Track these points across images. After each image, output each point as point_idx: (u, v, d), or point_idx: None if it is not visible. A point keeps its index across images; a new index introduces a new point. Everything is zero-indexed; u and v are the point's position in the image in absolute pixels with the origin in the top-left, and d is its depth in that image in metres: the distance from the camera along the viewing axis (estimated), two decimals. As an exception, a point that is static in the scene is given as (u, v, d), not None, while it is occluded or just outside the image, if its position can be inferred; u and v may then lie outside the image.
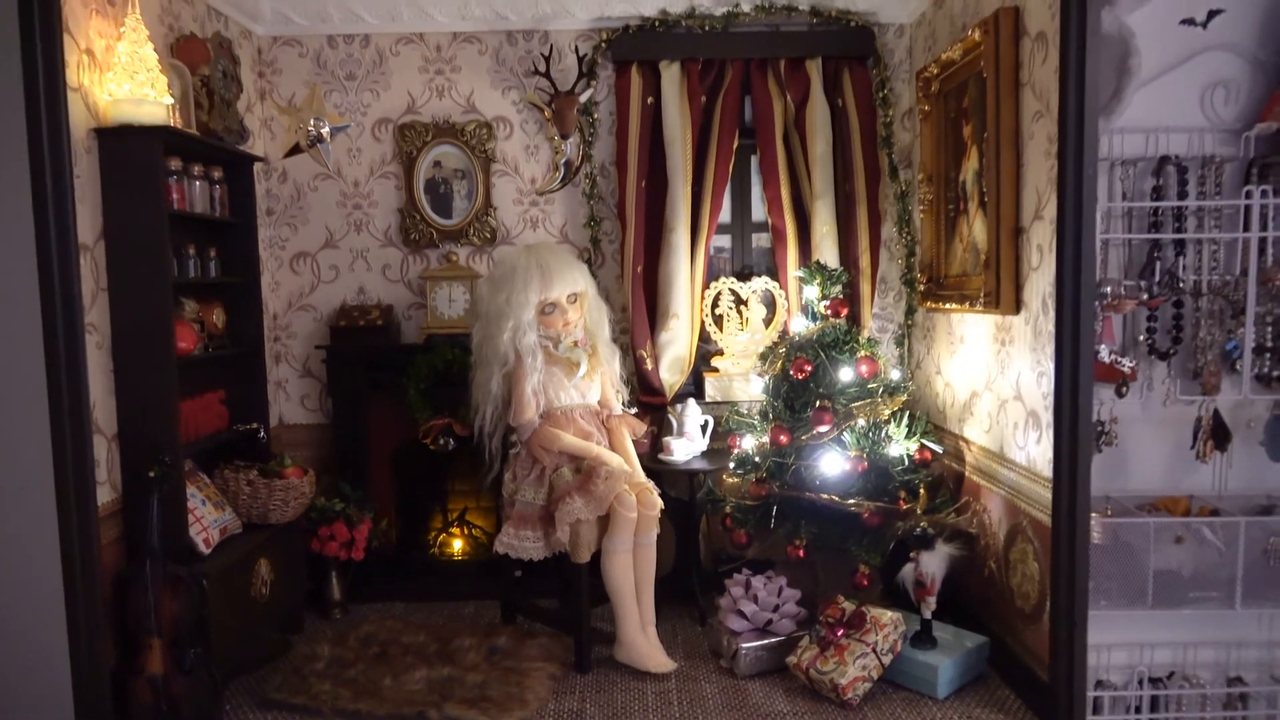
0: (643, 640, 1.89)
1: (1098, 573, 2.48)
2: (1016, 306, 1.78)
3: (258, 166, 2.21)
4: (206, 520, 1.80)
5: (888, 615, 1.79)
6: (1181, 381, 2.53)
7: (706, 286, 2.38)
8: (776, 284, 2.39)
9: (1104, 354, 2.49)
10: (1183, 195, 2.37)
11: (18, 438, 2.19)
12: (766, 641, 1.87)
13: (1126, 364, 2.48)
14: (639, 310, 2.32)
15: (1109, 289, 2.43)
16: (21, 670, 2.44)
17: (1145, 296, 2.44)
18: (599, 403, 2.05)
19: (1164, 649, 2.63)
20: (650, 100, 2.32)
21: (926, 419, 2.15)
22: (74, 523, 1.54)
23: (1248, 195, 2.30)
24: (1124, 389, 2.51)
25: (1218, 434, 2.43)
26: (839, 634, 1.77)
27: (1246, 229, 2.34)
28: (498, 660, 1.88)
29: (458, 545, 2.36)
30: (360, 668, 1.87)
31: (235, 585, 1.82)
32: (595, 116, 2.39)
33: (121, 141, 1.65)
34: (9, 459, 2.21)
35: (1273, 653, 2.58)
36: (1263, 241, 2.33)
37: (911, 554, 1.83)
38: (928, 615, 1.83)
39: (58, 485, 1.54)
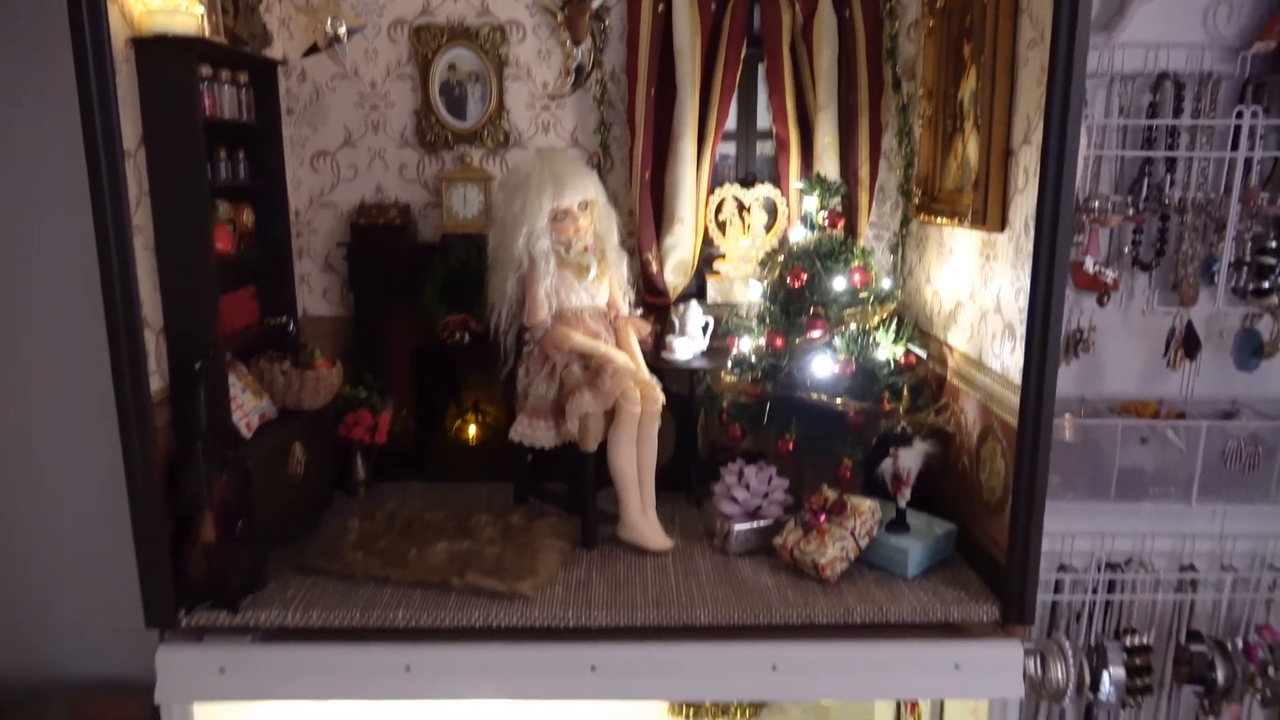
0: (643, 521, 2.09)
1: (1067, 468, 2.68)
2: (1002, 224, 1.89)
3: (278, 68, 2.28)
4: (247, 407, 1.97)
5: (866, 504, 1.97)
6: (1160, 293, 2.66)
7: (711, 193, 2.48)
8: (779, 191, 2.49)
9: (1089, 265, 2.61)
10: (1178, 113, 2.45)
11: (74, 334, 2.35)
12: (756, 525, 2.06)
13: (1109, 275, 2.61)
14: (646, 215, 2.43)
15: (1097, 203, 2.53)
16: (90, 544, 2.67)
17: (1132, 212, 2.54)
18: (607, 304, 2.18)
19: (1124, 539, 2.85)
20: (661, 8, 2.37)
21: (914, 325, 2.29)
22: (130, 406, 1.69)
23: (1239, 115, 2.38)
24: (1105, 299, 2.64)
25: (1189, 344, 2.58)
26: (821, 520, 1.96)
27: (1235, 148, 2.42)
28: (512, 536, 2.08)
29: (472, 431, 2.54)
30: (387, 540, 2.07)
31: (274, 465, 2.01)
32: (606, 23, 2.44)
33: (158, 52, 1.73)
34: (68, 354, 2.38)
35: (1222, 544, 2.81)
36: (1249, 161, 2.42)
37: (891, 450, 2.00)
38: (903, 505, 2.01)
39: (114, 372, 1.69)
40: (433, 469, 2.49)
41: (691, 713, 2.86)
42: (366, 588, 1.91)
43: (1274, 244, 2.47)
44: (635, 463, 2.09)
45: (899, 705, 2.58)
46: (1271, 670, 2.70)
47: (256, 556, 1.89)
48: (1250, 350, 2.54)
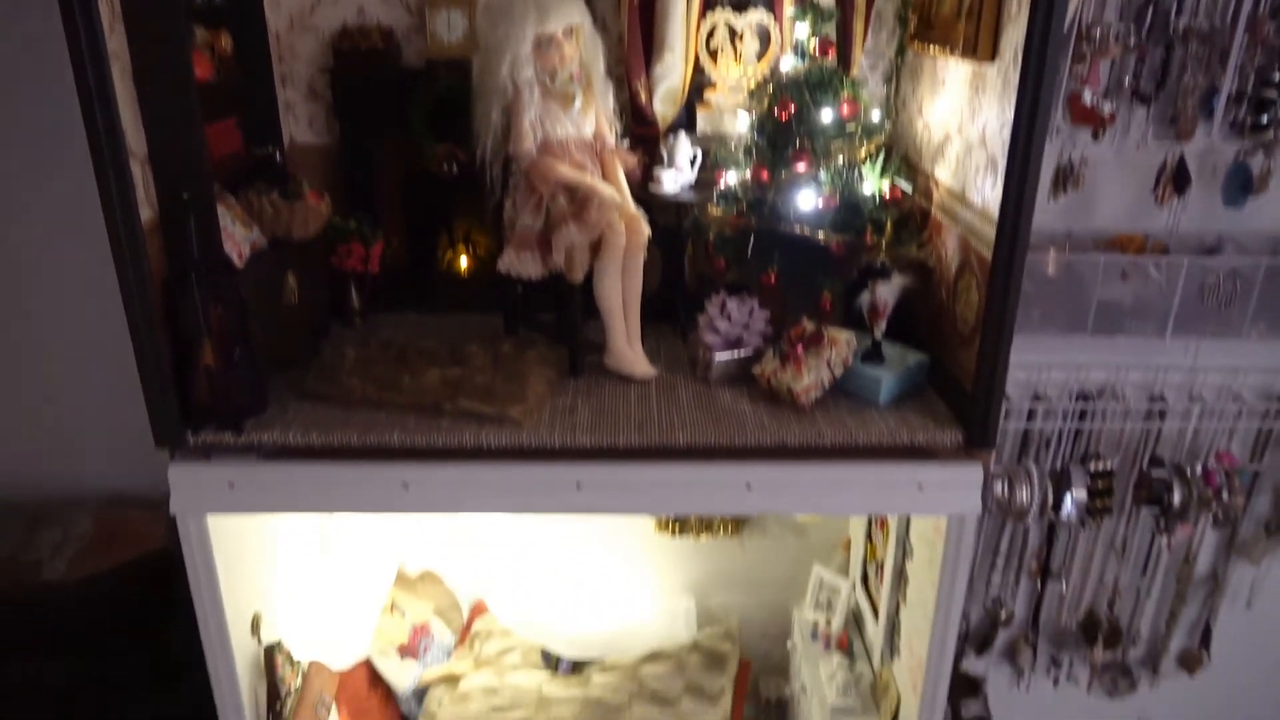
0: (629, 351, 2.16)
1: (1047, 302, 2.73)
2: (992, 54, 1.85)
3: (249, -123, 2.17)
4: (237, 237, 2.00)
5: (843, 335, 2.04)
6: (1157, 127, 2.63)
7: (703, 18, 2.41)
8: (772, 17, 2.41)
9: (1087, 98, 2.57)
10: (1188, -66, 2.34)
11: (59, 165, 2.37)
12: (736, 354, 2.14)
13: (1107, 108, 2.57)
14: (634, 42, 2.37)
15: (1099, 31, 2.46)
16: (92, 371, 2.79)
17: (1134, 41, 2.47)
18: (593, 135, 2.17)
19: (1098, 370, 2.94)
20: None
21: (903, 159, 2.28)
22: (121, 234, 1.73)
23: (1250, -62, 2.27)
24: (1100, 133, 2.61)
25: (1179, 179, 2.57)
26: (799, 350, 2.03)
27: (1245, -27, 2.33)
28: (502, 364, 2.16)
29: (464, 263, 2.58)
30: (382, 367, 2.15)
31: (268, 293, 2.07)
32: None
33: None
34: (55, 189, 2.41)
35: (1193, 377, 2.89)
36: (1259, -11, 2.33)
37: (870, 283, 2.05)
38: (878, 336, 2.08)
39: (103, 201, 1.71)
40: (426, 301, 2.55)
41: (677, 529, 3.05)
42: (363, 411, 2.01)
43: (1277, 76, 2.42)
44: (620, 293, 2.14)
45: (870, 523, 2.75)
46: (1226, 494, 2.85)
47: (257, 381, 1.98)
48: (1239, 186, 2.54)
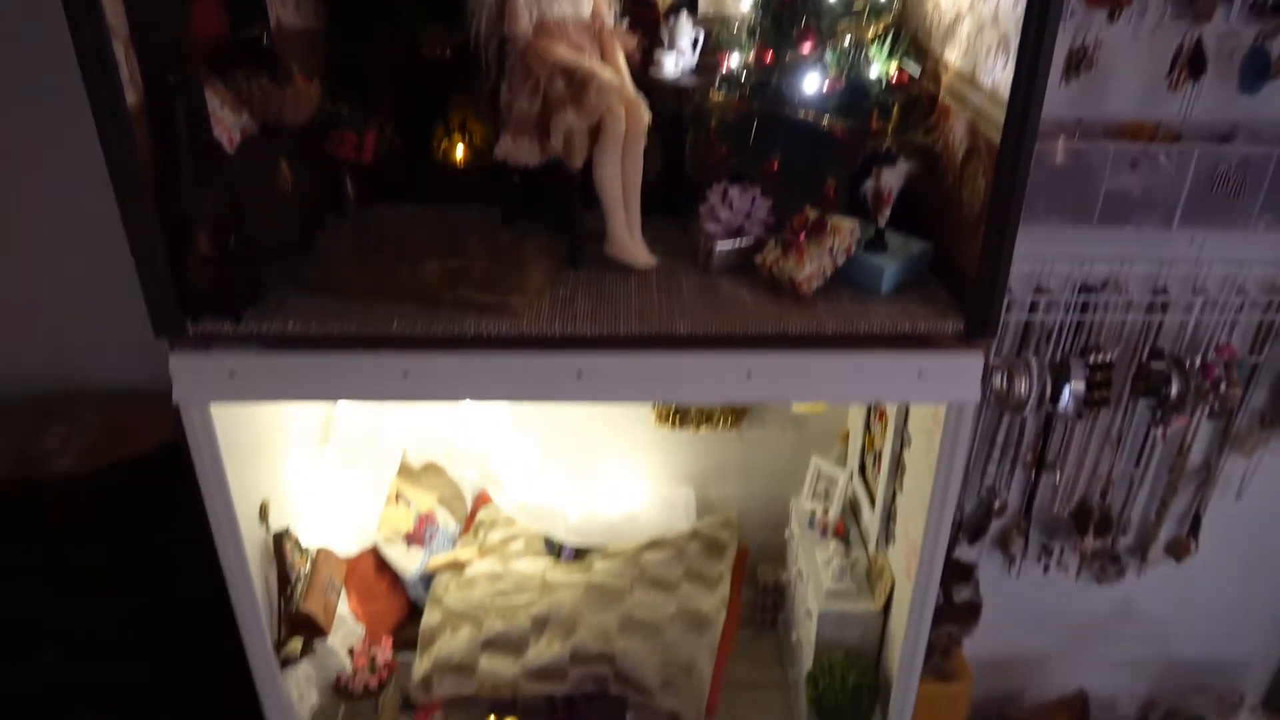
0: (629, 239, 2.14)
1: (1054, 192, 2.69)
2: (1008, -77, 1.77)
3: None
4: (227, 122, 1.95)
5: (846, 223, 2.01)
6: (1175, 7, 2.54)
7: (704, -110, 2.29)
8: (779, -114, 2.29)
9: (1102, -25, 2.46)
10: None
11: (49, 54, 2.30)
12: (737, 244, 2.11)
13: (1125, -13, 2.46)
14: (633, -85, 2.26)
15: (1121, -97, 2.34)
16: (95, 264, 2.77)
17: (1156, -86, 2.36)
18: (591, 15, 2.09)
19: (1102, 263, 2.92)
20: None
21: (910, 40, 2.20)
22: (108, 117, 1.68)
23: None
24: (1117, 14, 2.52)
25: (1195, 63, 2.50)
26: (801, 238, 2.01)
27: None
28: (500, 254, 2.14)
29: (460, 153, 2.52)
30: (380, 258, 2.12)
31: (260, 179, 2.03)
32: None
33: None
34: (45, 81, 2.33)
35: (1197, 269, 2.87)
36: None
37: (874, 169, 2.01)
38: (881, 224, 2.05)
39: (86, 82, 1.66)
40: (422, 191, 2.51)
41: (678, 421, 3.08)
42: (361, 301, 1.99)
43: (1303, -48, 2.33)
44: (620, 180, 2.10)
45: (869, 413, 2.77)
46: (1224, 386, 2.86)
47: (254, 270, 1.96)
48: (1256, 71, 2.46)
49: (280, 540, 2.42)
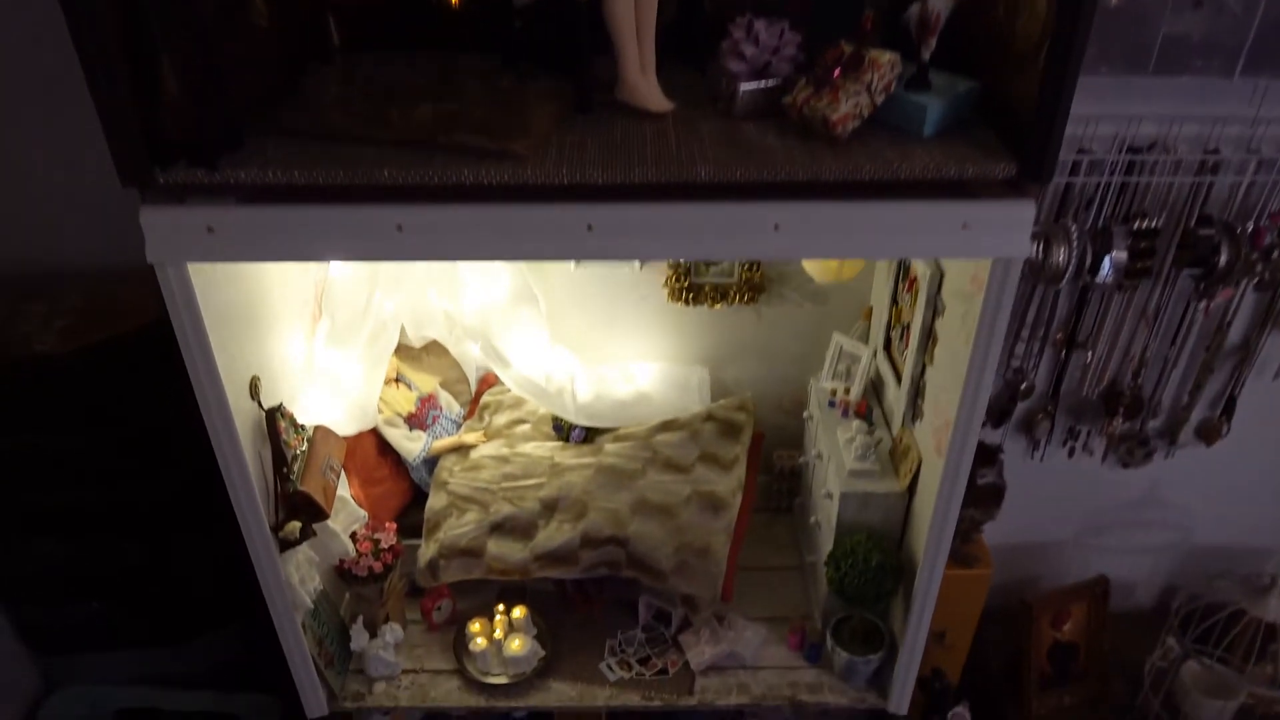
0: (642, 81, 1.93)
1: (1106, 37, 2.45)
2: None
3: None
4: (189, -61, 1.72)
5: (886, 56, 1.80)
6: None
7: None
8: None
9: None
10: None
11: None
12: (764, 84, 1.90)
13: None
14: None
15: None
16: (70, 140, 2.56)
17: None
18: None
19: (1150, 122, 2.69)
20: None
21: None
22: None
23: None
24: None
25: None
26: (835, 74, 1.80)
27: None
28: (501, 98, 1.94)
29: (454, -4, 2.29)
30: (368, 103, 1.93)
31: (232, 10, 1.82)
32: None
33: None
34: None
35: (1255, 129, 2.65)
36: None
37: (920, -7, 1.79)
38: (926, 58, 1.84)
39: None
40: (414, 37, 2.28)
41: (691, 299, 2.91)
42: (348, 147, 1.80)
43: None
44: (633, 17, 1.89)
45: (897, 284, 2.60)
46: (1275, 254, 2.68)
47: (229, 112, 1.76)
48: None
49: (273, 417, 2.28)
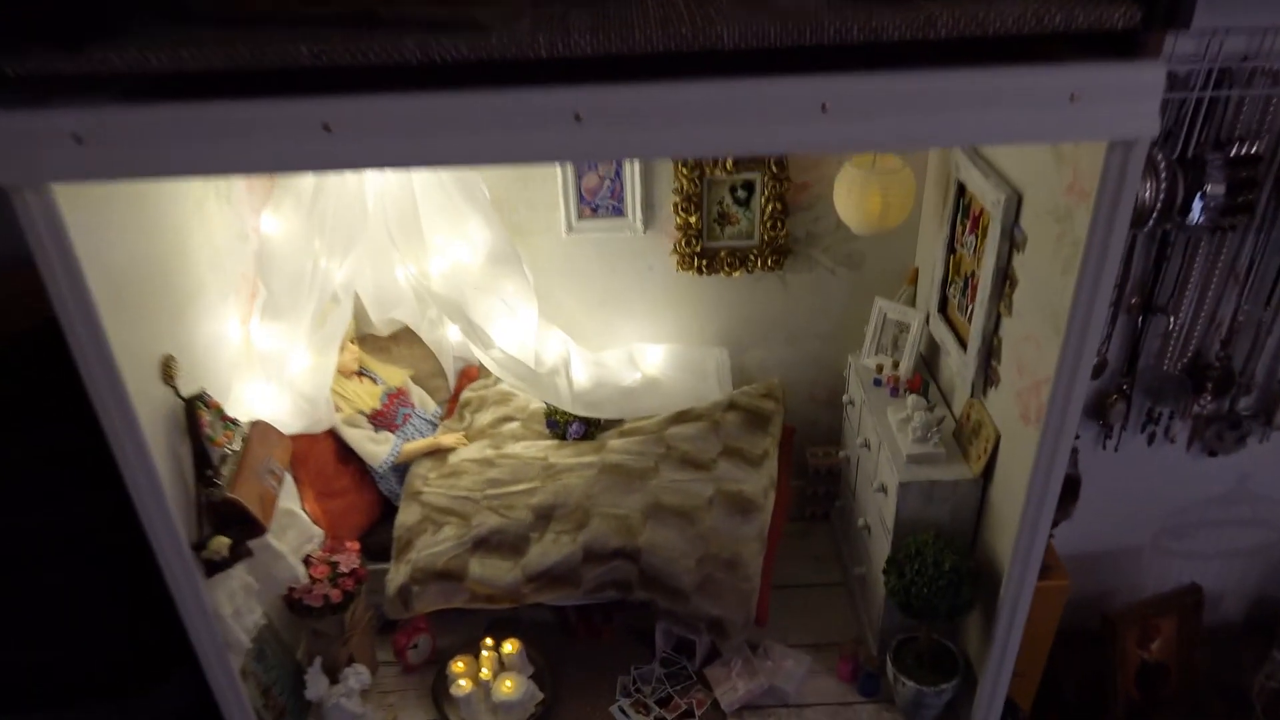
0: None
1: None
2: None
3: None
4: None
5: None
6: None
7: None
8: None
9: None
10: None
11: None
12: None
13: None
14: None
15: None
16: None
17: None
18: None
19: (1237, 36, 2.26)
20: None
21: None
22: None
23: None
24: None
25: None
26: (892, -90, 1.38)
27: None
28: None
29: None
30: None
31: None
32: None
33: None
34: None
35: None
36: None
37: None
38: (1009, -117, 1.41)
39: None
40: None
41: (704, 266, 2.48)
42: (257, 29, 1.38)
43: None
44: None
45: (954, 225, 2.16)
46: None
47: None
48: None
49: (194, 407, 1.83)
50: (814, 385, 2.73)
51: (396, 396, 2.44)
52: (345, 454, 2.36)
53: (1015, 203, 1.83)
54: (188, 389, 1.83)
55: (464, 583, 2.21)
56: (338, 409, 2.33)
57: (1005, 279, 1.91)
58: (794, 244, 2.49)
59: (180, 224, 1.88)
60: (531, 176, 2.38)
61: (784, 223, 2.42)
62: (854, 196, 2.15)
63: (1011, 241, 1.86)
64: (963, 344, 2.13)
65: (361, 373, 2.43)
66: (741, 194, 2.41)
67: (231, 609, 1.96)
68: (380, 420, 2.40)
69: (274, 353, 2.05)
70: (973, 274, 2.05)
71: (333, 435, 2.34)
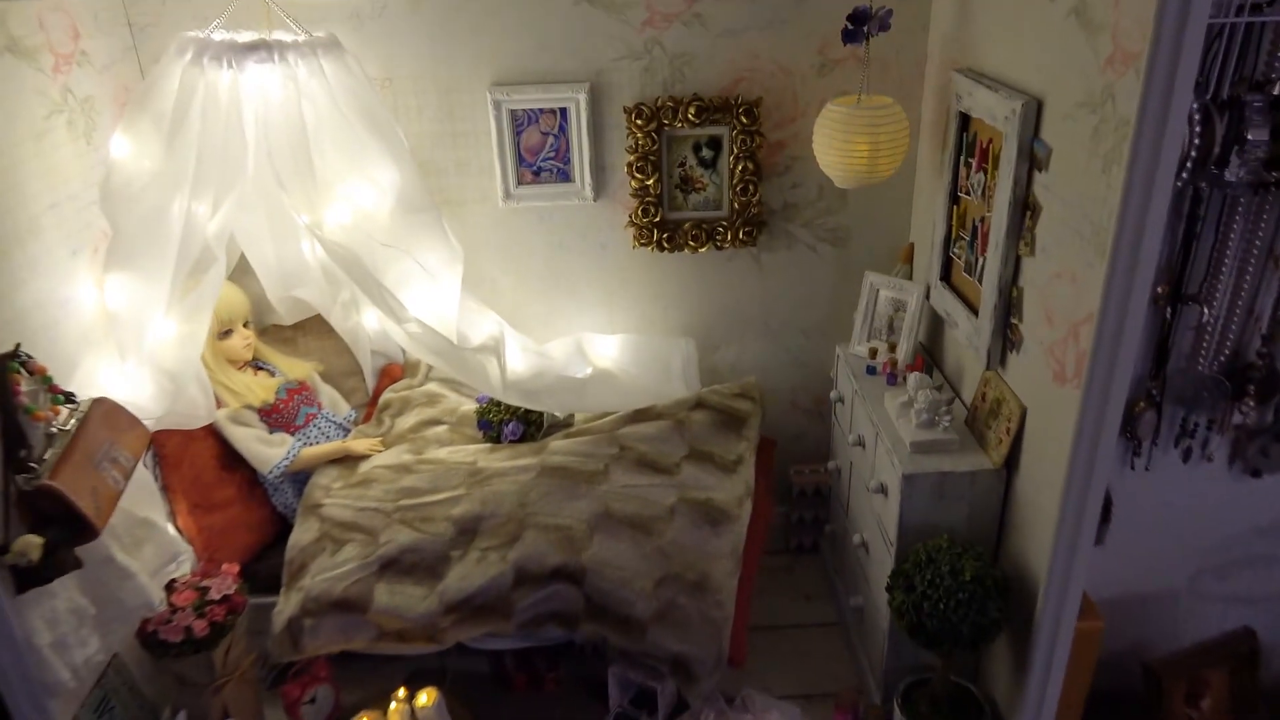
0: None
1: None
2: None
3: None
4: None
5: None
6: None
7: None
8: None
9: None
10: None
11: None
12: None
13: None
14: None
15: None
16: None
17: None
18: None
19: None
20: None
21: None
22: None
23: None
24: None
25: None
26: None
27: None
28: None
29: None
30: None
31: None
32: None
33: None
34: None
35: None
36: None
37: None
38: None
39: None
40: None
41: (665, 242, 2.12)
42: None
43: None
44: None
45: (955, 170, 1.81)
46: None
47: None
48: None
49: (3, 369, 1.43)
50: (796, 391, 2.35)
51: (298, 392, 2.04)
52: (231, 459, 1.95)
53: (1034, 112, 1.49)
54: (-1, 346, 1.44)
55: (367, 614, 1.77)
56: (221, 403, 1.93)
57: (1024, 210, 1.56)
58: (769, 215, 2.15)
59: (7, 150, 1.52)
60: (462, 133, 2.04)
61: (757, 188, 2.08)
62: (837, 140, 1.82)
63: (1031, 161, 1.52)
64: (973, 309, 1.77)
65: (258, 366, 2.04)
66: (707, 153, 2.08)
67: (52, 638, 1.52)
68: (275, 418, 1.99)
69: (127, 315, 1.65)
70: (982, 219, 1.71)
71: (215, 435, 1.94)
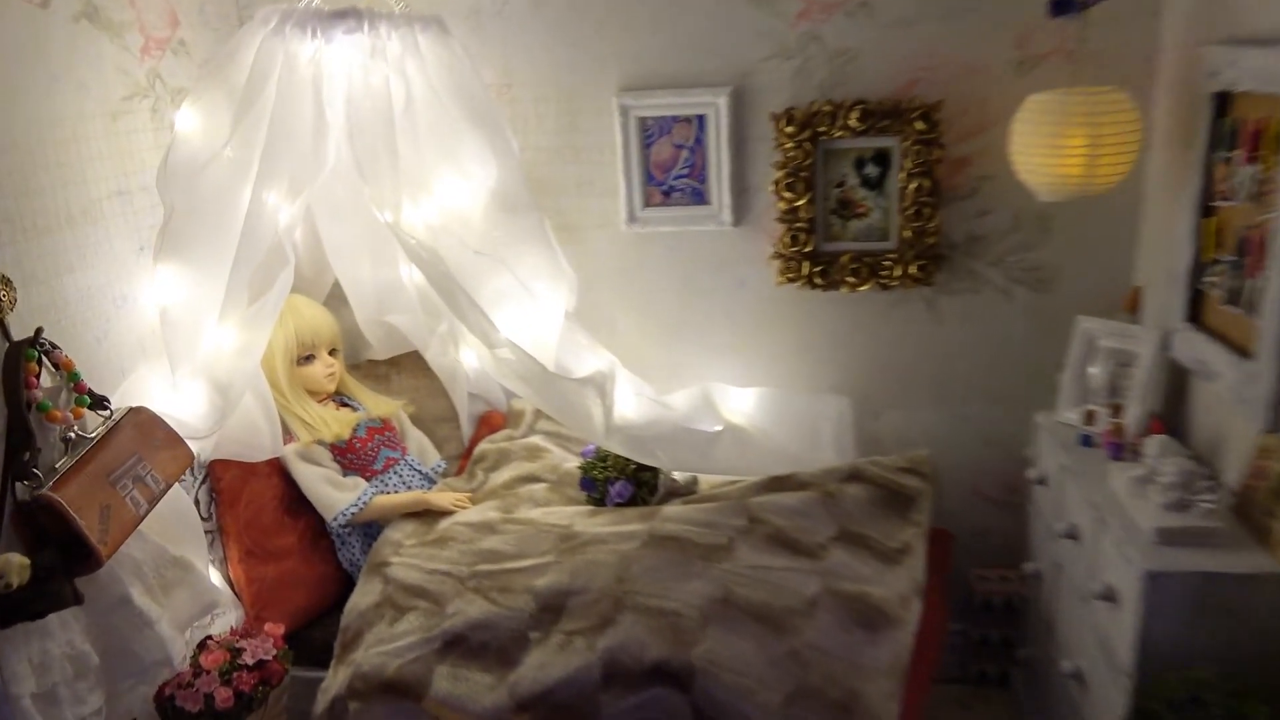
0: None
1: None
2: None
3: None
4: None
5: None
6: None
7: None
8: None
9: None
10: None
11: None
12: None
13: None
14: None
15: None
16: None
17: None
18: None
19: None
20: None
21: None
22: None
23: None
24: None
25: None
26: None
27: None
28: None
29: None
30: None
31: None
32: None
33: None
34: None
35: None
36: None
37: None
38: None
39: None
40: None
41: (818, 278, 1.78)
42: None
43: None
44: None
45: (1207, 172, 1.37)
46: None
47: None
48: None
49: (18, 354, 1.23)
50: (980, 473, 1.88)
51: (379, 431, 1.77)
52: (295, 503, 1.68)
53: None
54: (21, 329, 1.24)
55: (422, 702, 1.43)
56: (292, 437, 1.68)
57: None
58: (948, 249, 1.75)
59: (71, 121, 1.37)
60: (584, 146, 1.79)
61: (934, 214, 1.70)
62: (1043, 136, 1.42)
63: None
64: (1241, 352, 1.29)
65: (342, 401, 1.79)
66: (872, 170, 1.72)
67: (38, 686, 1.25)
68: (351, 458, 1.72)
69: (177, 314, 1.42)
70: (1252, 227, 1.25)
71: (280, 474, 1.68)
